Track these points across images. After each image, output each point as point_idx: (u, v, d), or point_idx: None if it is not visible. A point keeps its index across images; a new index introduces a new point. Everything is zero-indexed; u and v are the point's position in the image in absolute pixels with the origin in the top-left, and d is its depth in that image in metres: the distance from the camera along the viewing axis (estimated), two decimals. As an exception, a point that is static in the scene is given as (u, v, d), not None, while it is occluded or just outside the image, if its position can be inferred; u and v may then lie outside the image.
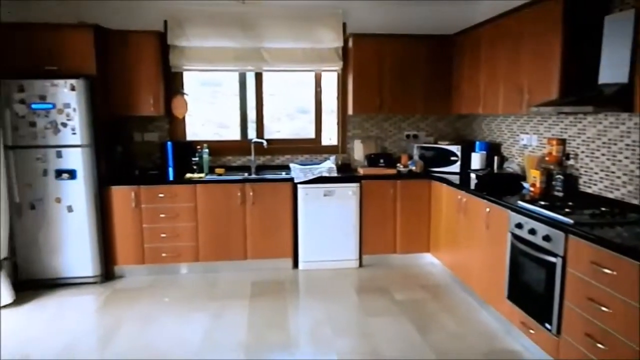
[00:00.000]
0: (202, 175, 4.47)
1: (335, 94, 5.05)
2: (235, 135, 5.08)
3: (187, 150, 4.63)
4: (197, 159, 4.59)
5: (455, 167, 4.60)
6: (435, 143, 4.93)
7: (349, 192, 4.43)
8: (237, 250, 4.41)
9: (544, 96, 3.16)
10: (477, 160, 4.35)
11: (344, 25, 4.81)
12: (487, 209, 3.42)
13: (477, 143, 4.53)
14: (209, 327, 3.40)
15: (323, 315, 3.58)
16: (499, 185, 3.75)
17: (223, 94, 5.20)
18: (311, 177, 4.39)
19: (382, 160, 4.80)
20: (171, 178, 4.41)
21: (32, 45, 3.92)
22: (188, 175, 4.42)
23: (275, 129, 5.19)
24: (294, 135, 5.20)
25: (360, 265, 4.58)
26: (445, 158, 4.66)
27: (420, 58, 4.63)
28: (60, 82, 3.86)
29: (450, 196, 4.09)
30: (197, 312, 3.65)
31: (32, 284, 4.04)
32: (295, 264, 4.54)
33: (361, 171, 4.61)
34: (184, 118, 4.80)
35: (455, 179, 4.27)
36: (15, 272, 4.00)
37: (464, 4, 4.77)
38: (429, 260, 4.67)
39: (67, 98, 3.87)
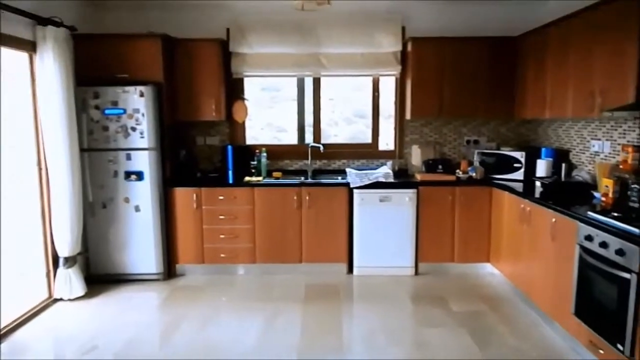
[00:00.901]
0: (260, 178, 4.57)
1: (393, 99, 5.00)
2: (293, 140, 5.15)
3: (246, 154, 4.75)
4: (255, 162, 4.70)
5: (519, 175, 4.40)
6: (497, 149, 4.74)
7: (405, 198, 4.35)
8: (293, 253, 4.45)
9: (618, 100, 2.95)
10: (542, 167, 4.13)
11: (403, 29, 4.75)
12: (553, 219, 3.24)
13: (543, 149, 4.31)
14: (264, 329, 3.46)
15: (377, 323, 3.54)
16: (567, 195, 3.55)
17: (282, 99, 5.30)
18: (367, 182, 4.36)
19: (440, 166, 4.68)
20: (231, 181, 4.54)
21: (106, 54, 4.17)
22: (247, 178, 4.53)
23: (333, 133, 5.22)
24: (350, 139, 5.19)
25: (416, 273, 4.49)
26: (507, 165, 4.47)
27: (481, 61, 4.48)
28: (131, 88, 4.09)
29: (513, 205, 3.92)
30: (252, 313, 3.72)
31: (101, 279, 4.29)
32: (350, 269, 4.52)
33: (418, 177, 4.53)
34: (243, 122, 4.93)
35: (519, 186, 4.08)
36: (87, 267, 4.27)
37: (528, 4, 4.57)
38: (488, 270, 4.49)
39: (137, 104, 4.09)
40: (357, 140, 5.15)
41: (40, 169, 3.81)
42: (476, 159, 4.66)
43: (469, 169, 4.59)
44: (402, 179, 4.59)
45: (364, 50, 4.73)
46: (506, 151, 4.55)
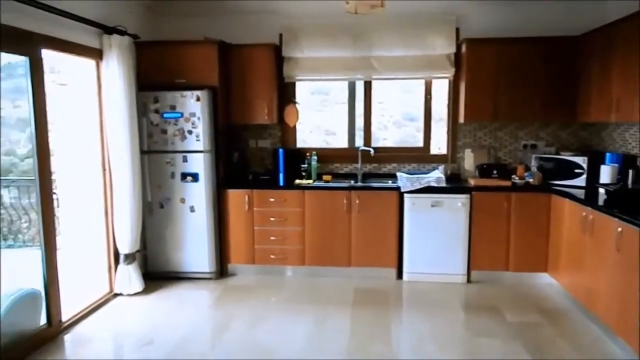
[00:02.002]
0: (310, 181, 4.60)
1: (446, 102, 4.89)
2: (343, 143, 5.16)
3: (297, 157, 4.81)
4: (306, 165, 4.74)
5: (580, 181, 4.18)
6: (557, 153, 4.53)
7: (458, 203, 4.25)
8: (342, 256, 4.45)
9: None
10: (607, 173, 3.90)
11: (457, 30, 4.64)
12: (619, 229, 3.05)
13: (608, 154, 4.08)
14: (312, 331, 3.48)
15: (427, 330, 3.47)
16: (634, 203, 3.33)
17: (331, 103, 5.32)
18: (418, 186, 4.29)
19: (495, 171, 4.53)
20: (281, 183, 4.61)
21: (165, 60, 4.35)
22: (297, 181, 4.58)
23: (382, 137, 5.18)
24: (400, 143, 5.13)
25: (468, 280, 4.37)
26: (568, 170, 4.26)
27: (539, 62, 4.30)
28: (188, 93, 4.24)
29: (574, 212, 3.73)
30: (301, 315, 3.75)
31: (158, 275, 4.47)
32: (400, 275, 4.46)
33: (472, 182, 4.40)
34: (295, 126, 4.99)
35: (580, 193, 3.88)
36: (145, 264, 4.46)
37: (587, 3, 4.35)
38: (545, 280, 4.29)
39: (193, 108, 4.24)
40: (407, 144, 5.08)
41: (104, 170, 4.03)
42: (534, 164, 4.47)
43: (526, 174, 4.41)
44: (455, 183, 4.48)
45: (416, 53, 4.67)
46: (566, 156, 4.34)
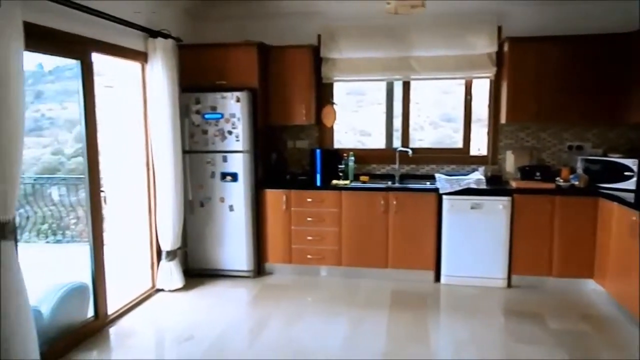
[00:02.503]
0: (347, 182, 4.61)
1: (486, 102, 4.79)
2: (379, 144, 5.13)
3: (334, 158, 4.81)
4: (343, 166, 4.74)
5: (630, 184, 4.00)
6: (605, 155, 4.36)
7: (499, 206, 4.15)
8: (379, 258, 4.43)
9: None
10: (659, 176, 3.73)
11: (499, 29, 4.54)
12: (673, 235, 2.91)
13: (660, 157, 3.90)
14: (349, 332, 3.48)
15: (466, 335, 3.41)
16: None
17: (367, 103, 5.31)
18: (458, 188, 4.22)
19: (538, 173, 4.40)
20: (319, 184, 4.63)
21: (207, 62, 4.45)
22: (334, 181, 4.59)
23: (418, 138, 5.12)
24: (437, 144, 5.06)
25: (509, 285, 4.26)
26: (616, 173, 4.09)
27: (586, 60, 4.15)
28: (228, 94, 4.32)
29: (623, 217, 3.58)
30: (338, 316, 3.76)
31: (197, 272, 4.58)
32: (437, 278, 4.40)
33: (514, 184, 4.30)
34: (332, 127, 5.00)
35: (630, 197, 3.72)
36: (185, 261, 4.58)
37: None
38: (591, 287, 4.14)
39: (233, 109, 4.32)
40: (444, 145, 5.00)
41: (148, 170, 4.16)
42: (579, 166, 4.32)
43: (571, 176, 4.27)
44: (496, 185, 4.38)
45: (456, 52, 4.59)
46: (615, 158, 4.16)
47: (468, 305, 3.94)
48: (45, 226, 6.24)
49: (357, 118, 5.33)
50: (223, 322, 3.65)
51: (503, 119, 4.47)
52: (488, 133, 4.79)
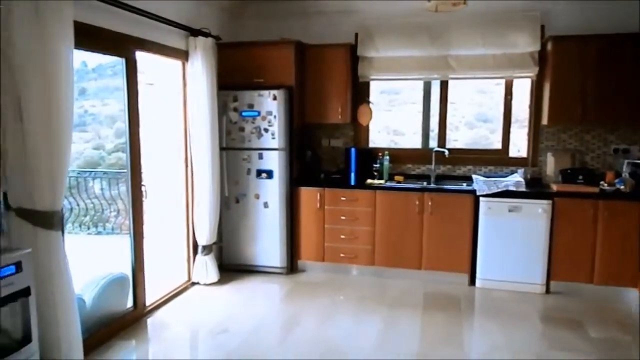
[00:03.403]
0: (381, 181, 4.58)
1: (527, 102, 4.67)
2: (413, 143, 5.08)
3: (368, 157, 4.79)
4: (377, 165, 4.72)
5: (680, 190, 3.83)
6: (653, 159, 4.18)
7: (538, 209, 4.04)
8: (412, 259, 4.39)
9: None
10: None
11: (542, 27, 4.40)
12: None
13: None
14: (381, 332, 3.47)
15: (501, 340, 3.34)
16: None
17: (400, 102, 5.26)
18: (496, 190, 4.13)
19: (580, 177, 4.25)
20: (353, 183, 4.62)
21: (244, 60, 4.50)
22: (369, 180, 4.57)
23: (453, 138, 5.03)
24: (472, 144, 4.96)
25: (547, 291, 4.14)
26: (666, 178, 3.92)
27: (633, 59, 3.97)
28: (265, 92, 4.37)
29: (672, 224, 3.42)
30: (370, 315, 3.74)
31: (232, 267, 4.65)
32: (472, 281, 4.32)
33: (554, 187, 4.17)
34: (367, 126, 4.98)
35: (680, 203, 3.55)
36: (220, 256, 4.66)
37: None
38: (635, 296, 3.97)
39: (270, 106, 4.36)
40: (479, 146, 4.90)
41: (186, 165, 4.25)
42: (625, 170, 4.15)
43: (617, 180, 4.10)
44: (535, 188, 4.26)
45: (497, 51, 4.48)
46: (664, 162, 3.99)
47: (504, 309, 3.86)
48: (87, 218, 6.48)
49: (390, 117, 5.28)
50: (256, 317, 3.70)
51: (545, 120, 4.34)
52: (528, 134, 4.67)
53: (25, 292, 2.19)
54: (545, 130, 4.57)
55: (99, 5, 2.97)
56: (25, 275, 2.18)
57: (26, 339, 2.22)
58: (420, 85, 5.01)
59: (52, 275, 2.52)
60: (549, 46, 4.24)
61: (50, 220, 2.51)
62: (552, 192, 4.09)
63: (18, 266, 2.14)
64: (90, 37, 2.96)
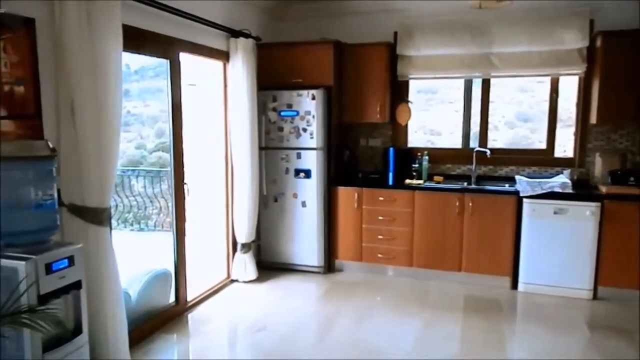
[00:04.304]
0: (420, 181, 4.52)
1: (574, 100, 4.49)
2: (451, 143, 4.98)
3: (407, 157, 4.74)
4: (416, 165, 4.66)
5: None
6: None
7: (586, 212, 3.89)
8: (451, 261, 4.31)
9: None
10: None
11: (591, 22, 4.23)
12: None
13: None
14: (420, 334, 3.42)
15: (545, 346, 3.23)
16: None
17: (438, 102, 5.16)
18: (540, 191, 4.00)
19: (632, 178, 4.05)
20: (391, 183, 4.58)
21: (283, 61, 4.54)
22: (407, 181, 4.52)
23: (492, 138, 4.89)
24: (512, 144, 4.82)
25: (595, 297, 3.98)
26: None
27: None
28: (304, 92, 4.38)
29: None
30: (408, 317, 3.70)
31: (269, 266, 4.69)
32: (514, 285, 4.20)
33: (603, 189, 4.00)
34: (406, 125, 4.92)
35: None
36: (258, 254, 4.71)
37: None
38: (692, 305, 3.77)
39: (309, 106, 4.38)
40: (520, 146, 4.75)
41: (226, 164, 4.33)
42: (681, 172, 3.94)
43: (672, 183, 3.90)
44: (583, 190, 4.09)
45: (542, 48, 4.34)
46: None
47: (548, 315, 3.73)
48: (130, 215, 6.69)
49: (427, 117, 5.20)
50: (294, 316, 3.72)
51: (593, 119, 4.17)
52: (575, 133, 4.50)
53: (77, 285, 2.27)
54: (593, 130, 4.39)
55: (145, 8, 3.06)
56: (77, 269, 2.26)
57: (77, 330, 2.30)
58: (458, 84, 4.92)
59: (101, 270, 2.62)
60: (599, 42, 4.07)
61: (99, 217, 2.61)
62: (601, 194, 3.93)
63: (71, 260, 2.22)
64: (137, 40, 3.05)
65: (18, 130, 2.35)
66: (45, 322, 1.81)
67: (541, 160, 4.60)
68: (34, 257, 2.06)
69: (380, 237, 4.49)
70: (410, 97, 4.94)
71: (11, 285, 1.97)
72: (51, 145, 2.28)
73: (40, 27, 2.42)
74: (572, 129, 4.55)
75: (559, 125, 4.60)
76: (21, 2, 2.33)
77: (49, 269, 2.11)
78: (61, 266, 2.18)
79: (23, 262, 2.02)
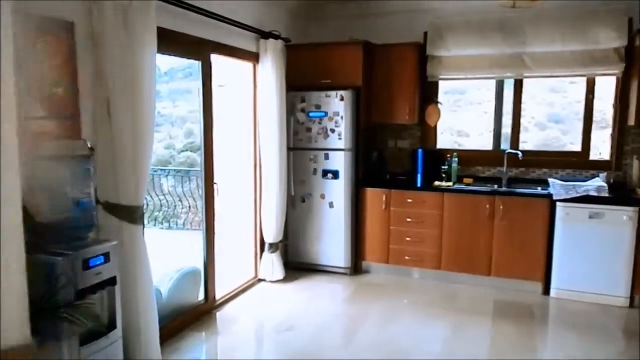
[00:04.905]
0: (450, 183, 4.46)
1: (611, 101, 4.36)
2: (479, 145, 4.90)
3: (435, 158, 4.68)
4: (445, 167, 4.60)
5: None
6: None
7: (623, 216, 3.76)
8: (481, 264, 4.23)
9: None
10: None
11: (630, 20, 4.09)
12: None
13: None
14: (449, 338, 3.38)
15: (579, 354, 3.14)
16: None
17: (466, 103, 5.08)
18: (575, 195, 3.89)
19: (672, 182, 3.92)
20: (419, 184, 4.53)
21: (312, 61, 4.55)
22: (436, 182, 4.47)
23: (521, 139, 4.78)
24: (543, 146, 4.70)
25: (631, 305, 3.84)
26: None
27: None
28: (332, 93, 4.38)
29: None
30: (436, 320, 3.66)
31: (296, 266, 4.71)
32: (546, 290, 4.10)
33: (641, 193, 3.87)
34: (435, 127, 4.86)
35: None
36: (285, 254, 4.73)
37: None
38: None
39: (337, 107, 4.37)
40: (550, 148, 4.63)
41: (255, 164, 4.36)
42: None
43: None
44: (620, 194, 3.97)
45: (577, 48, 4.22)
46: None
47: (582, 322, 3.62)
48: (159, 213, 6.82)
49: (454, 118, 5.12)
50: (321, 316, 3.72)
51: (631, 121, 4.03)
52: (612, 136, 4.36)
53: (112, 282, 2.33)
54: (631, 131, 4.25)
55: (177, 10, 3.11)
56: (112, 265, 2.32)
57: (112, 324, 2.37)
58: (487, 84, 4.83)
59: (135, 267, 2.68)
60: (638, 41, 3.94)
61: (133, 215, 2.66)
62: (638, 199, 3.80)
63: (106, 257, 2.28)
64: (169, 41, 3.09)
65: (58, 130, 2.42)
66: (83, 317, 1.86)
67: (575, 162, 4.48)
68: (72, 253, 2.12)
69: (407, 239, 4.45)
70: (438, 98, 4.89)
71: (50, 280, 2.03)
72: (89, 145, 2.35)
73: (79, 29, 2.49)
74: (608, 131, 4.41)
75: (592, 126, 4.47)
76: (61, 5, 2.41)
77: (86, 265, 2.18)
78: (97, 262, 2.24)
79: (61, 258, 2.08)
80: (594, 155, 4.47)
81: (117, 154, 2.60)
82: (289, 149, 4.47)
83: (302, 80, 4.55)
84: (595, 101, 4.40)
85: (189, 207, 6.48)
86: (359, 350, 3.21)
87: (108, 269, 2.31)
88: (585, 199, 3.87)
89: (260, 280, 4.45)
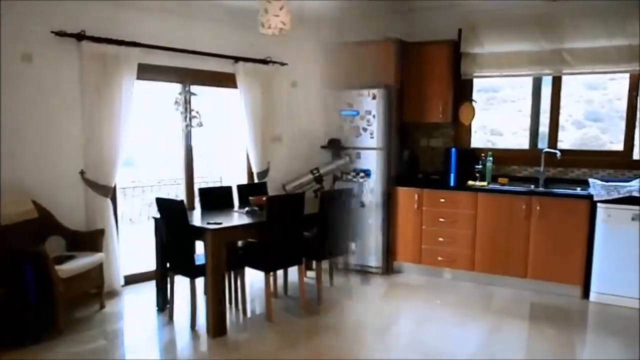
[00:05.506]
0: (484, 183, 4.38)
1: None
2: (514, 144, 4.78)
3: (469, 157, 4.60)
4: (480, 166, 4.51)
5: None
6: None
7: (669, 218, 3.61)
8: (517, 266, 4.14)
9: None
10: None
11: (678, 13, 3.91)
12: None
13: None
14: (484, 340, 3.30)
15: (622, 360, 3.03)
16: None
17: (500, 101, 4.96)
18: (617, 195, 3.75)
19: None
20: (453, 184, 4.47)
21: (345, 60, 4.53)
22: (470, 182, 4.39)
23: (558, 138, 4.64)
24: (580, 145, 4.55)
25: (677, 311, 3.69)
26: None
27: None
28: (365, 91, 4.37)
29: None
30: (471, 321, 3.59)
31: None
32: (585, 294, 3.97)
33: (689, 195, 3.69)
34: (469, 125, 4.78)
35: None
36: (316, 252, 4.74)
37: None
38: None
39: (369, 106, 4.36)
40: (588, 147, 4.48)
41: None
42: None
43: None
44: (665, 195, 3.81)
45: (620, 43, 4.06)
46: None
47: (624, 328, 3.48)
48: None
49: (488, 116, 5.01)
50: (354, 316, 3.71)
51: (678, 119, 3.87)
52: (657, 135, 4.18)
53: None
54: (678, 130, 4.07)
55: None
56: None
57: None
58: (522, 82, 4.71)
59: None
60: (686, 35, 3.76)
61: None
62: (686, 200, 3.63)
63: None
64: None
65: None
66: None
67: (617, 162, 4.31)
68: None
69: (440, 239, 4.39)
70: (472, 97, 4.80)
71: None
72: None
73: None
74: (654, 130, 4.23)
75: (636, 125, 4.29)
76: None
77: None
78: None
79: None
80: (637, 155, 4.29)
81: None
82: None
83: (334, 78, 4.53)
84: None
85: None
86: (392, 349, 3.19)
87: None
88: (629, 200, 3.72)
89: (291, 278, 4.46)
